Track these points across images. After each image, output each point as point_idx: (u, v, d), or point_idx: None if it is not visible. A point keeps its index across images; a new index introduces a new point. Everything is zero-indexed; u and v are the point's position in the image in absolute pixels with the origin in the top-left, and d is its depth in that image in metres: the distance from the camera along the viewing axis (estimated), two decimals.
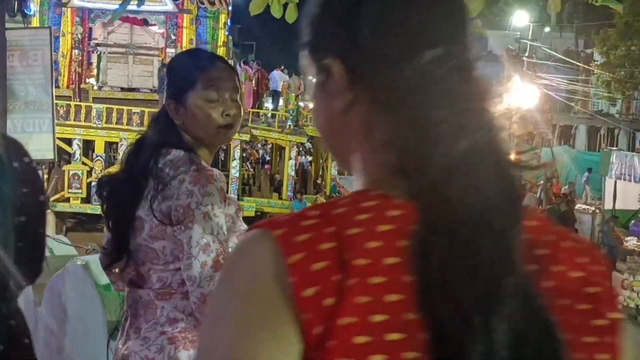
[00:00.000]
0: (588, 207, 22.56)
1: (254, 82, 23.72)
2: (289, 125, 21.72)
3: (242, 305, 0.78)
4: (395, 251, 0.78)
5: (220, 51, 22.49)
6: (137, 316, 2.19)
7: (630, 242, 18.81)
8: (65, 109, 19.62)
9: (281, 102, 24.79)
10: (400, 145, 0.83)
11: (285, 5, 3.42)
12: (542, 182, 24.37)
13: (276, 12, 3.40)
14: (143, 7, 21.08)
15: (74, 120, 19.69)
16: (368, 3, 0.87)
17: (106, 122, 19.65)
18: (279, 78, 25.21)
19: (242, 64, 25.93)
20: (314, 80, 0.95)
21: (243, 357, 0.75)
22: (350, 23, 0.88)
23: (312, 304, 0.75)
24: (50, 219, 17.99)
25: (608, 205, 20.38)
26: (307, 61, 0.94)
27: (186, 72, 2.25)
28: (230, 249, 2.12)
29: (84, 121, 19.73)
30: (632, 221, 17.77)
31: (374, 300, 0.75)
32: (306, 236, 0.78)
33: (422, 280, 0.77)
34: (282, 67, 26.20)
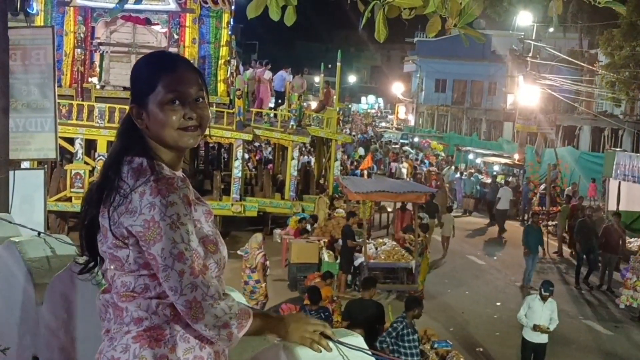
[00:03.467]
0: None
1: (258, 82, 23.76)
2: (292, 125, 21.70)
3: None
4: None
5: (223, 50, 22.50)
6: (108, 319, 2.22)
7: (634, 243, 18.77)
8: (67, 108, 19.64)
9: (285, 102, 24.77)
10: None
11: (284, 8, 3.41)
12: (544, 182, 24.34)
13: (274, 15, 3.38)
14: (146, 7, 21.12)
15: (76, 119, 19.70)
16: None
17: (108, 122, 19.65)
18: (282, 79, 25.19)
19: (255, 64, 25.78)
20: None
21: None
22: None
23: None
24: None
25: (612, 206, 20.35)
26: None
27: (146, 75, 2.23)
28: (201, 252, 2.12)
29: (87, 120, 19.74)
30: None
31: None
32: None
33: None
34: (289, 68, 26.15)
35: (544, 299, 10.78)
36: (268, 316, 2.25)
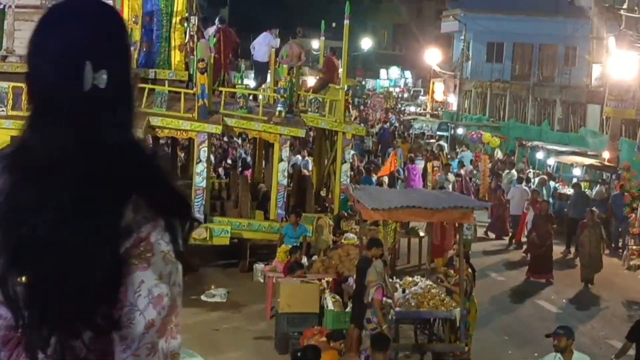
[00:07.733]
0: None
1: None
2: (279, 111, 21.65)
3: None
4: None
5: (179, 3, 22.42)
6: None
7: None
8: None
9: (269, 78, 24.78)
10: None
11: None
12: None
13: None
14: None
15: None
16: None
17: (13, 108, 19.78)
18: (264, 44, 25.15)
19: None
20: None
21: None
22: None
23: None
24: None
25: None
26: None
27: None
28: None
29: None
30: None
31: None
32: None
33: None
34: (275, 29, 26.00)
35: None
36: None
